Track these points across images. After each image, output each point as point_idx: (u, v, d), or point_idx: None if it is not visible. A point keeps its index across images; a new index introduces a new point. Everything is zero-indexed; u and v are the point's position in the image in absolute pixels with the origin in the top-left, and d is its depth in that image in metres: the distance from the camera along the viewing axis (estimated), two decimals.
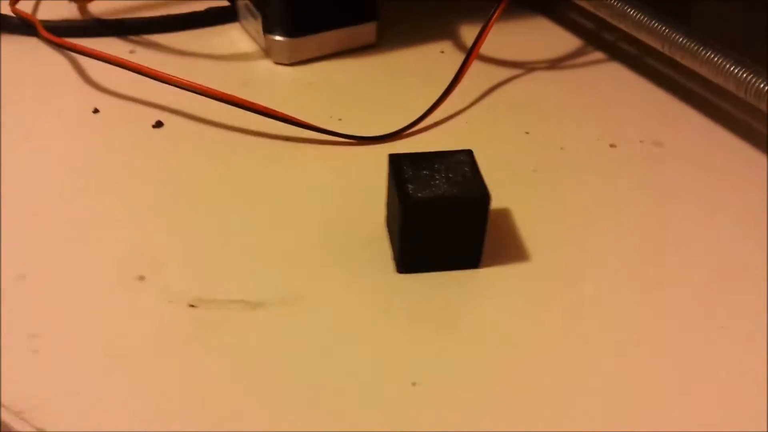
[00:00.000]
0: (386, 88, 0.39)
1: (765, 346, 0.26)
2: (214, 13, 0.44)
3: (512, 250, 0.29)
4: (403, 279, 0.28)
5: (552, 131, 0.36)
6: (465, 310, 0.27)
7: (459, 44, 0.43)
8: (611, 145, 0.35)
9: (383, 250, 0.29)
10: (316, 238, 0.30)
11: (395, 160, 0.29)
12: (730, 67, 0.33)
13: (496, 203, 0.28)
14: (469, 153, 0.29)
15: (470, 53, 0.37)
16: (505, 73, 0.41)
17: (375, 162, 0.33)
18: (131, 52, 0.42)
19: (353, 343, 0.26)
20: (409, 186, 0.27)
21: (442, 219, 0.27)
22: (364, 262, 0.29)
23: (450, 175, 0.28)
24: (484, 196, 0.27)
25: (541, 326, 0.27)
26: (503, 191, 0.31)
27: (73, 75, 0.39)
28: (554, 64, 0.42)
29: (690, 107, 0.38)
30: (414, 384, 0.25)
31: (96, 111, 0.37)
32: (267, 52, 0.41)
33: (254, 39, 0.43)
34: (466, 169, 0.28)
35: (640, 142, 0.36)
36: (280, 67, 0.41)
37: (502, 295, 0.28)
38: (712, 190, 0.33)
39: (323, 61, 0.41)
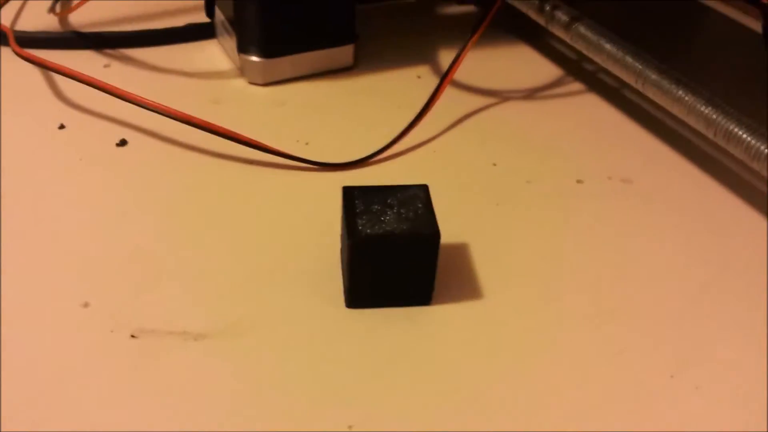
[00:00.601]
0: (358, 112, 0.39)
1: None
2: (192, 30, 0.44)
3: (466, 287, 0.29)
4: (352, 314, 0.28)
5: (520, 164, 0.36)
6: (411, 348, 0.27)
7: (436, 69, 0.43)
8: (578, 181, 0.35)
9: (335, 283, 0.29)
10: (269, 267, 0.29)
11: (348, 192, 0.28)
12: (700, 107, 0.33)
13: (454, 238, 0.28)
14: (424, 188, 0.28)
15: (443, 79, 0.37)
16: (480, 100, 0.40)
17: (337, 190, 0.33)
18: (106, 66, 0.41)
19: (294, 379, 0.25)
20: (359, 221, 0.27)
21: (390, 255, 0.27)
22: (315, 295, 0.28)
23: (401, 211, 0.27)
24: (434, 233, 0.27)
25: (491, 367, 0.26)
26: (463, 225, 0.31)
27: (43, 88, 0.39)
28: (531, 93, 0.41)
29: (663, 143, 0.38)
30: (350, 427, 0.24)
31: (62, 127, 0.36)
32: (242, 71, 0.41)
33: (230, 57, 0.42)
34: (420, 205, 0.28)
35: (608, 178, 0.35)
36: (253, 87, 0.41)
37: (451, 333, 0.27)
38: (679, 227, 0.32)
39: (298, 82, 0.41)
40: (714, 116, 0.32)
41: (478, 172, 0.35)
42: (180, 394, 0.25)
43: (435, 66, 0.43)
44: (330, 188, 0.33)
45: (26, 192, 0.32)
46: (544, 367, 0.26)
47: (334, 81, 0.41)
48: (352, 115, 0.39)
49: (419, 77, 0.42)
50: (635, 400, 0.25)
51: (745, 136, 0.31)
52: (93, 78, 0.35)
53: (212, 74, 0.42)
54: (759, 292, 0.29)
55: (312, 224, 0.32)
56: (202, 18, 0.44)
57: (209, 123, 0.34)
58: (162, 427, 0.24)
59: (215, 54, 0.43)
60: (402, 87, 0.41)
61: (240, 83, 0.41)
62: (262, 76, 0.40)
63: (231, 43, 0.41)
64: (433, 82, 0.41)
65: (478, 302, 0.29)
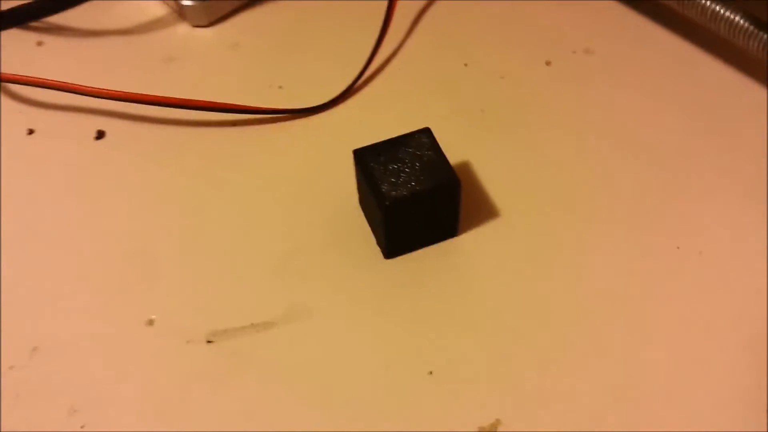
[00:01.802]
0: (316, 35, 0.39)
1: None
2: None
3: (483, 208, 0.32)
4: (394, 264, 0.30)
5: (488, 59, 0.37)
6: (457, 282, 0.30)
7: None
8: (547, 63, 0.36)
9: (364, 235, 0.31)
10: (297, 238, 0.31)
11: (359, 156, 0.29)
12: None
13: (454, 158, 0.30)
14: (427, 133, 0.30)
15: None
16: None
17: (329, 130, 0.35)
18: (39, 44, 0.39)
19: (369, 338, 0.28)
20: (383, 185, 0.28)
21: (419, 209, 0.29)
22: (352, 256, 0.31)
23: (416, 164, 0.29)
24: (454, 181, 0.29)
25: (526, 280, 0.30)
26: (458, 143, 0.33)
27: None
28: None
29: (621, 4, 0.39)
30: (430, 373, 0.28)
31: (31, 132, 0.35)
32: (181, 15, 0.40)
33: None
34: (429, 152, 0.29)
35: (573, 52, 0.37)
36: (199, 31, 0.39)
37: (484, 257, 0.30)
38: (654, 90, 0.35)
39: (243, 11, 0.40)
40: None
41: (453, 79, 0.36)
42: (280, 380, 0.27)
43: None
44: (322, 130, 0.35)
45: (21, 212, 0.32)
46: (565, 268, 0.30)
47: (276, 2, 0.40)
48: (311, 39, 0.38)
49: None
50: (647, 276, 0.29)
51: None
52: (56, 81, 0.34)
53: (152, 25, 0.40)
54: (741, 149, 0.33)
55: (318, 175, 0.33)
56: None
57: (184, 99, 0.34)
58: (278, 417, 0.27)
59: None
60: None
61: (184, 29, 0.40)
62: (205, 17, 0.39)
63: None
64: None
65: (498, 220, 0.31)
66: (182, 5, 0.39)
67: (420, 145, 0.30)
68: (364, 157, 0.29)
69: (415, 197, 0.28)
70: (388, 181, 0.29)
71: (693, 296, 0.29)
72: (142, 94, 0.34)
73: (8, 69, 0.36)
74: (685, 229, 0.31)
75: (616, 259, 0.30)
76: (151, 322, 0.29)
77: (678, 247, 0.30)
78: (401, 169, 0.29)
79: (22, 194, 0.33)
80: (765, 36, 0.31)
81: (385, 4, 0.37)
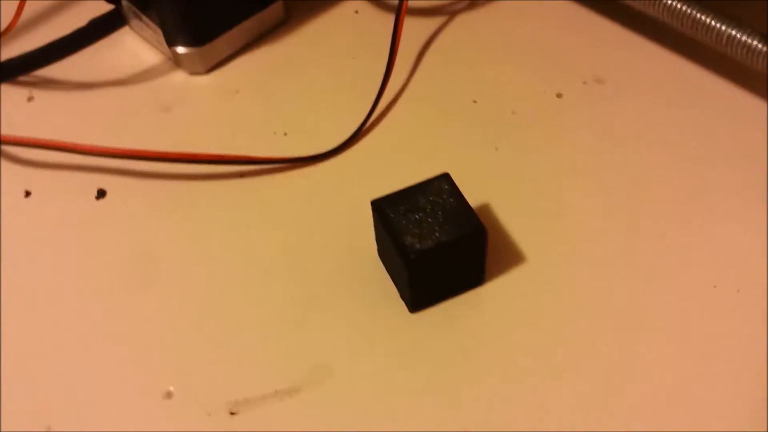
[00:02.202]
0: (317, 73, 0.38)
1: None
2: (99, 25, 0.40)
3: (508, 253, 0.30)
4: (419, 318, 0.29)
5: (497, 94, 0.36)
6: (486, 333, 0.28)
7: None
8: (558, 95, 0.36)
9: (386, 288, 0.30)
10: (315, 294, 0.30)
11: (378, 207, 0.28)
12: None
13: (475, 201, 0.29)
14: (447, 178, 0.29)
15: (397, 25, 0.36)
16: (429, 25, 0.39)
17: (340, 177, 0.34)
18: (30, 99, 0.38)
19: (396, 397, 0.27)
20: (406, 237, 0.27)
21: (444, 260, 0.28)
22: (374, 309, 0.29)
23: (438, 212, 0.28)
24: (480, 229, 0.27)
25: (558, 323, 0.28)
26: (476, 184, 0.31)
27: None
28: (474, 1, 0.40)
29: (630, 32, 0.38)
30: (465, 427, 0.26)
31: (28, 194, 0.34)
32: (177, 63, 0.38)
33: (155, 47, 0.39)
34: (450, 199, 0.28)
35: (584, 83, 0.36)
36: (196, 78, 0.38)
37: (513, 305, 0.29)
38: (668, 117, 0.34)
39: (240, 56, 0.39)
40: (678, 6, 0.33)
41: (463, 116, 0.35)
42: None
43: None
44: (335, 179, 0.34)
45: (22, 280, 0.31)
46: (596, 312, 0.29)
47: (273, 43, 0.39)
48: (313, 82, 0.37)
49: (357, 12, 0.40)
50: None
51: (713, 22, 0.32)
52: (53, 141, 0.33)
53: (146, 74, 0.39)
54: (760, 173, 0.32)
55: (333, 225, 0.32)
56: (98, 7, 0.40)
57: (189, 154, 0.33)
58: None
59: (135, 46, 0.40)
60: (345, 29, 0.39)
61: (180, 77, 0.38)
62: (201, 64, 0.38)
63: (151, 33, 0.38)
64: (372, 14, 0.40)
65: (524, 265, 0.30)
66: (176, 53, 0.37)
67: (440, 191, 0.28)
68: (383, 208, 0.28)
69: (440, 248, 0.27)
70: (411, 232, 0.27)
71: (725, 328, 0.28)
72: (143, 150, 0.33)
73: None
74: (713, 263, 0.30)
75: (647, 294, 0.29)
76: (169, 395, 0.28)
77: (715, 286, 0.29)
78: (423, 219, 0.28)
79: (22, 260, 0.32)
80: None
81: (388, 43, 0.36)
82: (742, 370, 0.27)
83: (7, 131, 0.34)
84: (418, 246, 0.27)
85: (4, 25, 0.40)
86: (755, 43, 0.31)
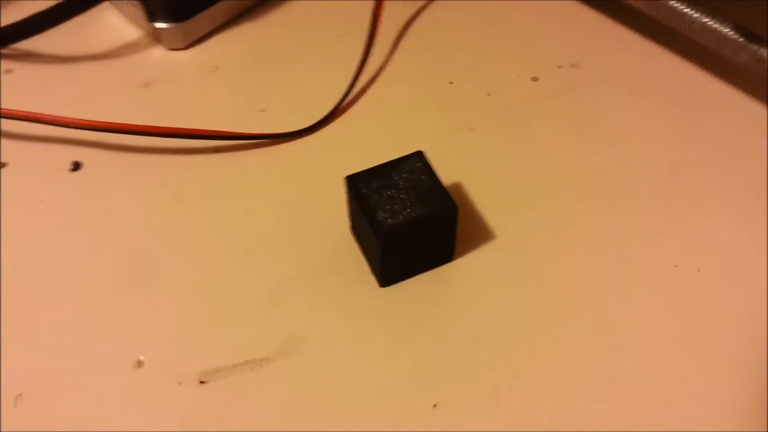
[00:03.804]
0: (297, 53, 0.38)
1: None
2: None
3: (478, 231, 0.31)
4: (390, 292, 0.29)
5: (474, 76, 0.36)
6: (455, 308, 0.29)
7: None
8: (533, 79, 0.36)
9: (358, 262, 0.30)
10: (288, 268, 0.30)
11: (352, 182, 0.29)
12: None
13: (449, 179, 0.29)
14: (420, 156, 0.29)
15: (377, 3, 0.36)
16: (407, 7, 0.39)
17: (315, 154, 0.34)
18: (8, 72, 0.38)
19: (367, 370, 0.27)
20: (379, 213, 0.28)
21: (416, 236, 0.28)
22: (345, 283, 0.30)
23: (411, 189, 0.28)
24: (452, 207, 0.28)
25: (528, 298, 0.29)
26: (449, 163, 0.32)
27: None
28: None
29: (604, 17, 0.38)
30: (435, 405, 0.27)
31: (3, 165, 0.34)
32: (157, 38, 0.38)
33: (135, 22, 0.39)
34: (423, 176, 0.29)
35: (558, 67, 0.36)
36: (175, 54, 0.38)
37: (481, 281, 0.30)
38: (643, 103, 0.35)
39: (220, 33, 0.39)
40: None
41: (439, 97, 0.36)
42: (278, 419, 0.26)
43: None
44: (310, 156, 0.34)
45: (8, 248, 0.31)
46: (563, 288, 0.29)
47: (254, 22, 0.39)
48: (292, 60, 0.38)
49: None
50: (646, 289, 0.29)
51: (687, 10, 0.32)
52: (30, 112, 0.33)
53: (125, 49, 0.39)
54: (729, 160, 0.33)
55: (306, 200, 0.32)
56: None
57: (165, 128, 0.33)
58: None
59: (115, 21, 0.40)
60: (325, 11, 0.40)
61: (159, 52, 0.38)
62: (181, 40, 0.38)
63: (132, 8, 0.38)
64: None
65: (493, 243, 0.31)
66: (157, 28, 0.38)
67: (413, 169, 0.29)
68: (357, 184, 0.28)
69: (411, 224, 0.27)
70: (384, 208, 0.28)
71: (692, 307, 0.28)
72: (119, 123, 0.33)
73: None
74: (683, 246, 0.30)
75: (614, 276, 0.29)
76: (139, 364, 0.28)
77: (675, 266, 0.30)
78: (396, 195, 0.28)
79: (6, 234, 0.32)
80: (754, 47, 0.31)
81: (368, 23, 0.36)
82: (724, 357, 0.28)
83: None
84: (390, 221, 0.27)
85: None
86: (727, 31, 0.32)
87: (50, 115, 0.33)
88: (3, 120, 0.35)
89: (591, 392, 0.27)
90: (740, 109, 0.34)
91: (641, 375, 0.27)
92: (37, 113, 0.33)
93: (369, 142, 0.34)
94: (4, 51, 0.39)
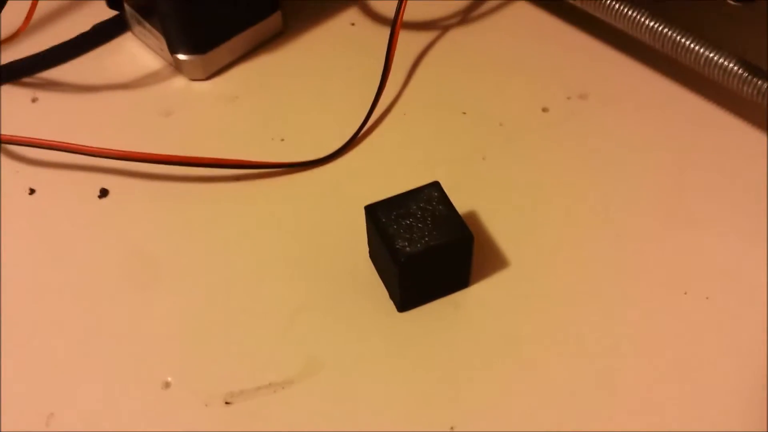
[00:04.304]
0: (316, 85, 0.39)
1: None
2: (101, 30, 0.41)
3: (493, 258, 0.32)
4: (407, 317, 0.30)
5: (486, 106, 0.37)
6: (471, 333, 0.30)
7: (367, 12, 0.42)
8: (543, 110, 0.37)
9: (376, 288, 0.31)
10: (308, 293, 0.31)
11: (372, 212, 0.30)
12: (639, 19, 0.35)
13: (463, 207, 0.30)
14: (437, 186, 0.30)
15: (393, 34, 0.37)
16: (421, 39, 0.41)
17: (334, 183, 0.35)
18: (34, 101, 0.39)
19: (385, 393, 0.28)
20: (398, 241, 0.29)
21: (433, 263, 0.29)
22: (365, 308, 0.31)
23: (428, 219, 0.29)
24: (467, 236, 0.29)
25: (543, 323, 0.30)
26: (463, 193, 0.33)
27: None
28: (466, 16, 0.42)
29: (611, 49, 0.40)
30: (452, 428, 0.28)
31: (32, 192, 0.35)
32: (178, 69, 0.40)
33: (157, 53, 0.41)
34: (440, 206, 0.30)
35: (567, 98, 0.38)
36: (196, 84, 0.40)
37: (496, 307, 0.31)
38: (649, 134, 0.36)
39: (240, 64, 0.40)
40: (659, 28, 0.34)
41: (453, 127, 0.37)
42: None
43: (365, 9, 0.42)
44: (329, 184, 0.35)
45: (25, 275, 0.32)
46: (577, 315, 0.30)
47: (271, 52, 0.41)
48: (311, 91, 0.39)
49: (353, 24, 0.42)
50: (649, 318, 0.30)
51: (692, 45, 0.34)
52: (56, 142, 0.34)
53: (147, 79, 0.40)
54: (742, 191, 0.34)
55: (326, 227, 0.33)
56: (102, 13, 0.41)
57: (188, 157, 0.34)
58: None
59: (137, 51, 0.41)
60: (341, 39, 0.41)
61: (181, 82, 0.40)
62: (202, 71, 0.39)
63: (154, 40, 0.40)
64: (368, 26, 0.41)
65: (507, 270, 0.32)
66: (178, 59, 0.39)
67: (431, 198, 0.30)
68: (376, 213, 0.30)
69: (429, 253, 0.29)
70: (402, 236, 0.29)
71: (698, 331, 0.29)
72: (142, 153, 0.34)
73: (3, 126, 0.36)
74: (691, 270, 0.31)
75: (625, 301, 0.30)
76: (167, 385, 0.29)
77: (685, 293, 0.31)
78: (414, 224, 0.29)
79: (25, 255, 0.33)
80: (758, 81, 0.32)
81: (382, 55, 0.37)
82: (732, 374, 0.29)
83: (11, 131, 0.35)
84: (408, 249, 0.29)
85: (14, 28, 0.41)
86: (730, 65, 0.33)
87: (75, 144, 0.34)
88: (30, 148, 0.36)
89: (606, 415, 0.28)
90: (743, 138, 0.35)
91: (652, 401, 0.28)
92: (62, 142, 0.34)
93: (386, 170, 0.35)
94: (29, 80, 0.40)
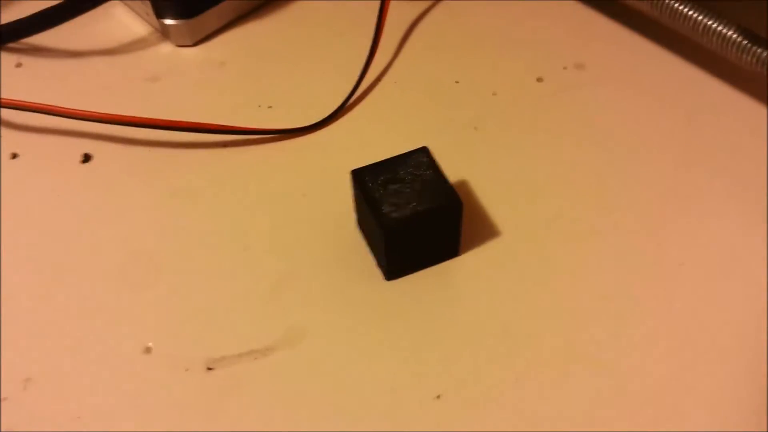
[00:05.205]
0: (304, 50, 0.38)
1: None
2: None
3: (483, 227, 0.31)
4: (395, 285, 0.30)
5: (480, 75, 0.37)
6: (460, 302, 0.29)
7: None
8: (538, 80, 0.36)
9: (363, 256, 0.30)
10: (294, 260, 0.30)
11: (358, 176, 0.29)
12: None
13: (454, 176, 0.30)
14: (425, 152, 0.29)
15: (383, 3, 0.37)
16: (414, 7, 0.40)
17: (322, 150, 0.34)
18: (18, 65, 0.38)
19: (369, 362, 0.28)
20: (384, 207, 0.28)
21: (420, 230, 0.28)
22: (351, 276, 0.30)
23: (416, 184, 0.29)
24: (456, 202, 0.28)
25: (532, 295, 0.29)
26: (454, 160, 0.32)
27: None
28: None
29: (608, 19, 0.39)
30: (438, 396, 0.27)
31: (15, 156, 0.34)
32: (165, 35, 0.39)
33: (143, 19, 0.40)
34: (428, 171, 0.29)
35: (564, 68, 0.37)
36: (184, 50, 0.39)
37: (486, 276, 0.30)
38: (645, 105, 0.35)
39: (227, 30, 0.39)
40: None
41: (445, 96, 0.36)
42: (282, 407, 0.27)
43: None
44: (317, 151, 0.34)
45: (7, 239, 0.31)
46: (567, 284, 0.30)
47: (261, 20, 0.40)
48: (299, 58, 0.38)
49: None
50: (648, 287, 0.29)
51: (691, 12, 0.33)
52: (41, 104, 0.33)
53: (133, 44, 0.39)
54: (738, 160, 0.33)
55: (313, 196, 0.32)
56: None
57: (172, 121, 0.33)
58: None
59: (124, 17, 0.40)
60: (332, 9, 0.40)
61: (167, 48, 0.39)
62: (189, 36, 0.39)
63: (140, 5, 0.39)
64: None
65: (498, 240, 0.31)
66: (165, 24, 0.38)
67: (419, 164, 0.29)
68: (363, 178, 0.29)
69: (416, 218, 0.28)
70: (389, 201, 0.28)
71: (694, 306, 0.29)
72: (128, 116, 0.33)
73: None
74: (686, 244, 0.31)
75: (617, 273, 0.30)
76: (148, 350, 0.28)
77: (681, 264, 0.30)
78: (401, 189, 0.28)
79: (7, 220, 0.32)
80: (758, 50, 0.31)
81: (374, 22, 0.36)
82: (732, 356, 0.28)
83: None
84: (395, 214, 0.28)
85: None
86: (730, 32, 0.32)
87: (59, 107, 0.33)
88: (14, 112, 0.35)
89: (593, 389, 0.27)
90: (742, 110, 0.35)
91: (643, 373, 0.27)
92: (49, 105, 0.33)
93: (375, 139, 0.34)
94: (14, 45, 0.39)
